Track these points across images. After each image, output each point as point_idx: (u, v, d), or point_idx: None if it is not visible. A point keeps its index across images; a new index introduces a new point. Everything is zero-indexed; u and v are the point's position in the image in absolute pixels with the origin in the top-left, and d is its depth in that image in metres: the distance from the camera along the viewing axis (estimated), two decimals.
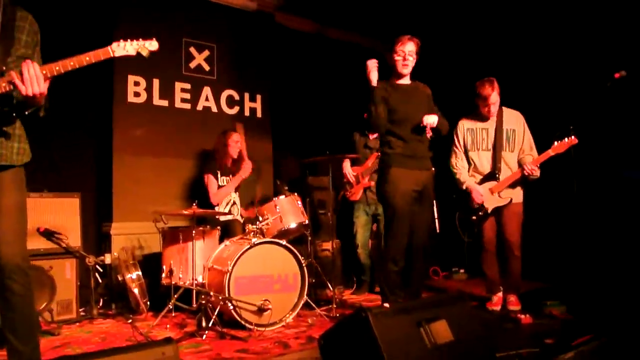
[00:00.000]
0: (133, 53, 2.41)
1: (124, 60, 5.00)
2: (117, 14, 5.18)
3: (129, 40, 2.41)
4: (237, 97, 6.02)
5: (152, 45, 2.48)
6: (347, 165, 5.37)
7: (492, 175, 4.22)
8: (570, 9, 5.50)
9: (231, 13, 6.06)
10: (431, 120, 3.65)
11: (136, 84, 5.27)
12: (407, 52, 3.71)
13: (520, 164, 4.20)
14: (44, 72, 2.19)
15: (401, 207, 3.65)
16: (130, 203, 5.06)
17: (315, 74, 6.86)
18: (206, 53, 5.82)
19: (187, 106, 5.61)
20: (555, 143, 4.01)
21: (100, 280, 4.58)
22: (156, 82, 5.40)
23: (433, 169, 3.94)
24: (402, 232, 3.67)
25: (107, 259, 4.65)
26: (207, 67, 5.81)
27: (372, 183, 5.11)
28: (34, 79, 2.15)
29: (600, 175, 5.01)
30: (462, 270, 6.38)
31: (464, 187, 4.28)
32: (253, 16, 6.23)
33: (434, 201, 3.90)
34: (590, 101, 4.08)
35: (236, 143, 5.09)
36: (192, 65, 5.71)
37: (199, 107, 5.70)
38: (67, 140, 4.92)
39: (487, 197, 4.21)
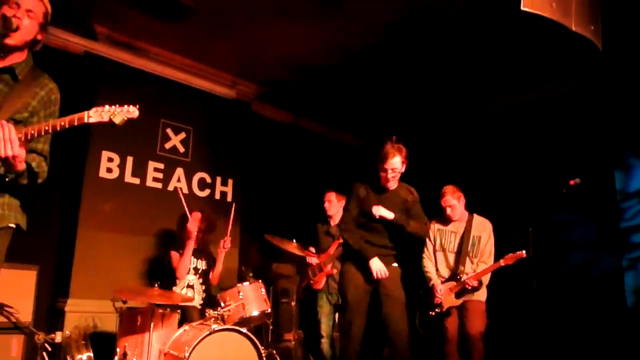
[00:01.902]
0: (106, 119, 2.25)
1: (100, 136, 5.19)
2: (95, 92, 5.30)
3: (107, 105, 2.28)
4: (209, 179, 6.09)
5: (131, 112, 2.33)
6: (310, 253, 5.38)
7: (454, 276, 4.50)
8: (533, 126, 6.12)
9: (210, 99, 6.28)
10: (380, 212, 3.76)
11: (110, 159, 5.31)
12: (390, 170, 3.77)
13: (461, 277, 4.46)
14: (19, 135, 2.12)
15: (352, 300, 3.71)
16: (90, 279, 4.92)
17: (288, 162, 7.03)
18: (182, 135, 5.94)
19: (159, 185, 5.65)
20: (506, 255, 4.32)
21: None
22: (130, 160, 5.45)
23: (395, 264, 3.98)
24: (355, 324, 3.68)
25: (58, 337, 4.44)
26: (182, 149, 5.91)
27: (335, 271, 5.14)
28: (7, 142, 2.06)
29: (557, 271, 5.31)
30: None
31: (430, 285, 4.57)
32: (231, 103, 6.46)
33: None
34: (547, 205, 4.41)
35: (196, 228, 4.96)
36: (168, 145, 5.81)
37: (170, 188, 5.74)
38: (32, 209, 4.81)
39: (445, 296, 4.46)
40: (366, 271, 3.77)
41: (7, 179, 2.23)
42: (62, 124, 2.19)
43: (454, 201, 4.55)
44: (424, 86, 6.35)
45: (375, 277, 3.70)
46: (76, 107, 5.07)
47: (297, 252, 5.03)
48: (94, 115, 2.23)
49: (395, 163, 3.75)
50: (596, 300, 5.20)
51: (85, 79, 5.33)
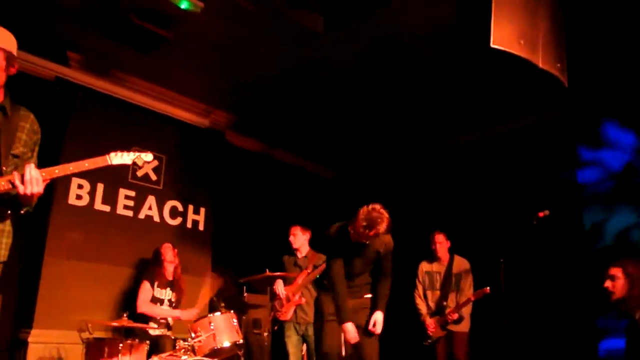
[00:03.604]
0: (129, 162, 2.54)
1: (69, 161, 5.08)
2: (67, 117, 5.28)
3: (125, 151, 2.55)
4: (180, 208, 6.03)
5: (147, 156, 2.64)
6: (279, 284, 5.35)
7: (439, 311, 5.13)
8: (502, 159, 6.38)
9: (183, 127, 6.27)
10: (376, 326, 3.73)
11: (80, 186, 5.23)
12: (372, 237, 3.52)
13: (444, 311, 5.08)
14: (44, 174, 2.28)
15: (323, 333, 3.79)
16: (55, 309, 4.77)
17: (261, 192, 7.03)
18: (155, 163, 5.89)
19: (130, 213, 5.56)
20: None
21: None
22: (100, 187, 5.38)
23: (367, 295, 3.91)
24: (329, 352, 3.75)
25: None
26: (154, 177, 5.86)
27: (303, 300, 5.13)
28: (34, 181, 2.23)
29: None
30: None
31: (421, 320, 5.18)
32: (204, 132, 6.46)
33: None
34: (518, 236, 4.68)
35: (170, 263, 5.02)
36: (140, 173, 5.75)
37: (141, 216, 5.66)
38: None
39: (435, 329, 5.09)
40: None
41: (22, 212, 2.41)
42: (87, 165, 2.42)
43: (443, 245, 5.26)
44: (396, 119, 6.48)
45: (347, 340, 3.69)
46: (48, 132, 5.05)
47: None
48: (116, 159, 2.50)
49: (379, 235, 3.53)
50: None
51: (56, 106, 5.28)
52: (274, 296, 5.36)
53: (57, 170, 2.34)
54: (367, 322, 3.78)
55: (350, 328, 3.67)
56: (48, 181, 2.33)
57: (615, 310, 3.35)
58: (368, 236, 3.48)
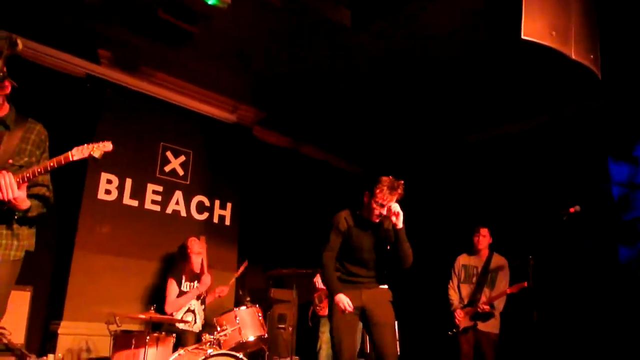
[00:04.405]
0: (86, 155, 2.61)
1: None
2: (97, 114, 5.34)
3: (86, 144, 2.64)
4: (207, 203, 6.07)
5: (106, 146, 2.69)
6: (318, 279, 5.33)
7: (472, 303, 5.08)
8: (532, 155, 6.25)
9: (211, 123, 6.30)
10: (394, 208, 3.49)
11: (109, 181, 5.30)
12: (385, 206, 3.53)
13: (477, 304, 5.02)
14: (17, 180, 2.47)
15: (336, 324, 3.67)
16: (84, 302, 4.86)
17: (287, 187, 7.03)
18: (182, 158, 5.94)
19: (157, 208, 5.62)
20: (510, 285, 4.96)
21: None
22: (129, 182, 5.44)
23: (385, 286, 3.88)
24: (344, 346, 3.65)
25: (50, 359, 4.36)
26: (181, 172, 5.91)
27: None
28: (8, 187, 2.44)
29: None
30: None
31: (452, 309, 5.17)
32: (231, 128, 6.47)
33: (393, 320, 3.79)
34: (550, 232, 4.49)
35: (198, 255, 5.01)
36: (167, 168, 5.80)
37: (169, 210, 5.71)
38: None
39: (463, 319, 5.06)
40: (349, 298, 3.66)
41: (15, 216, 2.61)
42: (52, 164, 2.55)
43: (484, 240, 5.23)
44: (425, 114, 6.40)
45: (342, 309, 3.59)
46: (79, 129, 5.15)
47: None
48: (77, 154, 2.59)
49: (392, 204, 3.51)
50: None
51: (87, 102, 5.37)
52: (312, 291, 5.34)
53: (28, 174, 2.52)
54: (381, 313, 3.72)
55: (342, 297, 3.59)
56: (25, 184, 2.52)
57: None
58: (388, 206, 3.50)
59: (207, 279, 4.93)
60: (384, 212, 3.55)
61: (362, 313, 3.74)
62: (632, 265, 5.21)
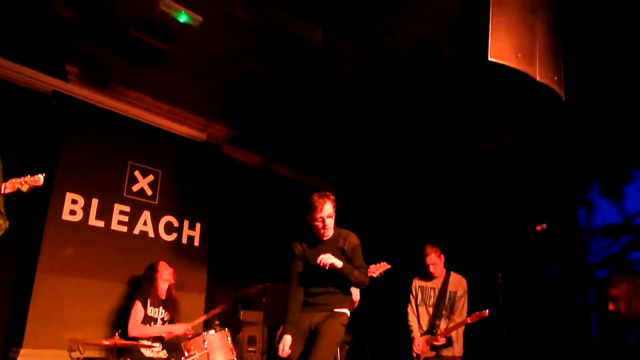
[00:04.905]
0: (15, 189, 2.64)
1: (65, 176, 5.06)
2: (62, 131, 5.24)
3: (14, 178, 2.65)
4: (176, 223, 5.96)
5: (36, 181, 2.71)
6: None
7: (431, 330, 4.92)
8: (496, 173, 6.30)
9: (180, 141, 6.22)
10: (329, 260, 3.56)
11: (74, 201, 5.16)
12: (325, 217, 3.62)
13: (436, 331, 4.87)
14: None
15: (292, 350, 3.60)
16: (46, 328, 4.67)
17: (258, 206, 6.97)
18: (150, 178, 5.84)
19: (124, 229, 5.49)
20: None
21: None
22: (95, 202, 5.31)
23: (340, 310, 3.76)
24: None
25: None
26: (149, 192, 5.80)
27: None
28: None
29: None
30: None
31: (411, 337, 5.00)
32: (201, 146, 6.40)
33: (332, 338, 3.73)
34: (515, 250, 4.54)
35: (165, 282, 4.91)
36: (135, 188, 5.69)
37: (136, 231, 5.59)
38: None
39: (422, 348, 4.89)
40: (305, 320, 3.69)
41: None
42: None
43: (436, 259, 5.01)
44: (395, 133, 6.44)
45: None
46: (45, 146, 5.03)
47: None
48: (9, 186, 2.62)
49: (328, 209, 3.62)
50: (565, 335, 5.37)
51: (53, 119, 5.25)
52: (274, 313, 5.25)
53: None
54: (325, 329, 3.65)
55: (284, 340, 3.60)
56: None
57: (625, 329, 3.34)
58: (324, 219, 3.58)
59: (181, 328, 4.79)
60: (328, 222, 3.63)
61: (311, 334, 3.69)
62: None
